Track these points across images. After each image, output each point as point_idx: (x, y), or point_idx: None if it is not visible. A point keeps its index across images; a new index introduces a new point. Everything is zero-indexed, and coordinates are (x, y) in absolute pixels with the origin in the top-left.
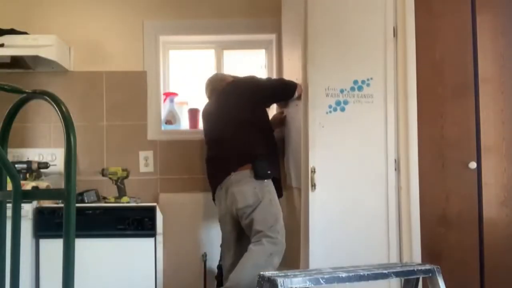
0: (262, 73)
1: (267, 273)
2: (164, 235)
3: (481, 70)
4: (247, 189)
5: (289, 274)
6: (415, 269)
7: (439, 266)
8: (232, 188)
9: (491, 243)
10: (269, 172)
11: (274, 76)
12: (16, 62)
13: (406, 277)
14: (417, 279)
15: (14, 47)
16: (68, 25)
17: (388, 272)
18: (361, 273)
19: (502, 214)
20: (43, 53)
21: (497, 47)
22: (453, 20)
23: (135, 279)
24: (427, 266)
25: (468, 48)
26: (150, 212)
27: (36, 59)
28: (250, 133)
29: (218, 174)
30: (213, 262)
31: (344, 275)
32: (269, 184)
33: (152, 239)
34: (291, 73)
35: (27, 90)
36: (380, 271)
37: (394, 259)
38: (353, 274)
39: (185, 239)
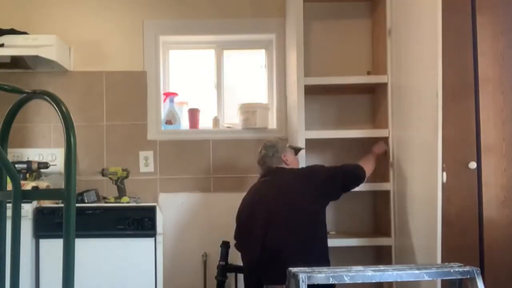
0: (262, 73)
1: (294, 269)
2: (164, 235)
3: (481, 70)
4: None
5: (315, 270)
6: (452, 270)
7: (479, 268)
8: None
9: (491, 243)
10: None
11: (275, 76)
12: (16, 62)
13: (441, 278)
14: (460, 281)
15: (14, 47)
16: (68, 25)
17: (420, 272)
18: (389, 272)
19: (502, 214)
20: (43, 53)
21: (497, 47)
22: (453, 20)
23: (135, 279)
24: (466, 268)
25: (468, 48)
26: (150, 212)
27: (36, 59)
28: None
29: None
30: (213, 262)
31: (370, 273)
32: None
33: (152, 239)
34: (293, 73)
35: (27, 90)
36: (411, 271)
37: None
38: (379, 273)
39: (185, 239)
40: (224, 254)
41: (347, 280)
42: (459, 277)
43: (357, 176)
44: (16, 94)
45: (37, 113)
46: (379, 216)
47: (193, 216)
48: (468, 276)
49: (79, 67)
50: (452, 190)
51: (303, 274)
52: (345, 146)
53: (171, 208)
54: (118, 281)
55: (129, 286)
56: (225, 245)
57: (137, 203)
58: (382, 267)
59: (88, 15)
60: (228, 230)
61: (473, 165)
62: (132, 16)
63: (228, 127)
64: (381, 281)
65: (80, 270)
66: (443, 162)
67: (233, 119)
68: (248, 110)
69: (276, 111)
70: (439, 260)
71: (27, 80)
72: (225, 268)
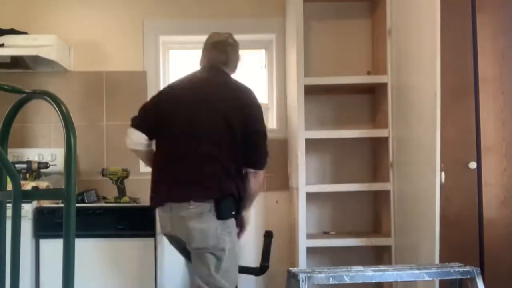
0: (262, 73)
1: (294, 269)
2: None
3: (481, 70)
4: (207, 228)
5: (316, 270)
6: (452, 270)
7: (479, 268)
8: (189, 222)
9: (491, 243)
10: (233, 213)
11: (275, 76)
12: (16, 62)
13: (441, 278)
14: (460, 281)
15: (14, 47)
16: (68, 25)
17: (420, 272)
18: (390, 272)
19: (502, 214)
20: (43, 53)
21: (497, 47)
22: (453, 20)
23: (135, 279)
24: (466, 268)
25: (468, 48)
26: (150, 212)
27: (36, 59)
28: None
29: (174, 191)
30: None
31: (370, 273)
32: (231, 223)
33: (152, 239)
34: (293, 73)
35: (27, 90)
36: (412, 271)
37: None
38: (380, 273)
39: None
40: None
41: (347, 280)
42: (459, 277)
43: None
44: (16, 94)
45: (37, 113)
46: (379, 216)
47: None
48: (468, 276)
49: (79, 67)
50: (452, 190)
51: (303, 274)
52: (345, 146)
53: None
54: (118, 281)
55: (129, 286)
56: None
57: (137, 203)
58: (382, 267)
59: (88, 15)
60: None
61: (473, 165)
62: (132, 16)
63: None
64: (381, 281)
65: (80, 270)
66: (442, 162)
67: None
68: None
69: (276, 111)
70: (437, 260)
71: (27, 80)
72: None
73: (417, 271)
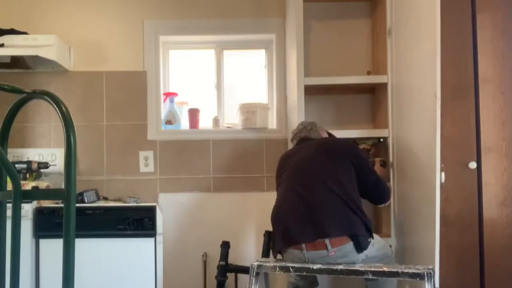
0: (262, 73)
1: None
2: (164, 235)
3: (481, 70)
4: (355, 260)
5: (268, 261)
6: (400, 271)
7: (431, 271)
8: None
9: (491, 243)
10: (369, 240)
11: (275, 76)
12: (16, 62)
13: (388, 278)
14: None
15: (14, 47)
16: (68, 25)
17: (364, 270)
18: (334, 267)
19: (502, 214)
20: (43, 53)
21: (497, 47)
22: (453, 20)
23: (135, 279)
24: (417, 270)
25: (468, 48)
26: (150, 212)
27: (36, 59)
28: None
29: (305, 234)
30: (213, 262)
31: (315, 267)
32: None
33: (152, 239)
34: (293, 73)
35: (27, 90)
36: (356, 268)
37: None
38: (325, 267)
39: (185, 239)
40: (224, 254)
41: (292, 270)
42: (407, 279)
43: (382, 193)
44: (16, 94)
45: (37, 113)
46: (379, 217)
47: (193, 216)
48: (418, 279)
49: (79, 67)
50: (452, 190)
51: (255, 263)
52: None
53: (171, 208)
54: (118, 281)
55: (129, 286)
56: (225, 245)
57: (137, 203)
58: (333, 263)
59: (88, 15)
60: (228, 230)
61: (473, 165)
62: (132, 16)
63: (228, 127)
64: (326, 274)
65: (80, 270)
66: (442, 162)
67: (233, 119)
68: (248, 110)
69: (276, 111)
70: (437, 260)
71: (27, 80)
72: (225, 268)
73: (361, 269)
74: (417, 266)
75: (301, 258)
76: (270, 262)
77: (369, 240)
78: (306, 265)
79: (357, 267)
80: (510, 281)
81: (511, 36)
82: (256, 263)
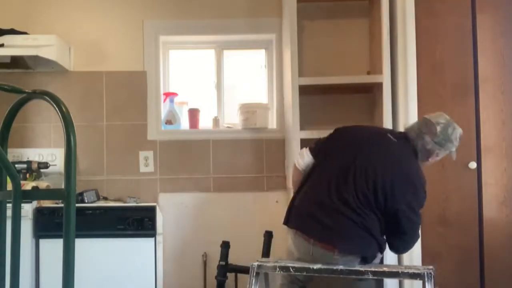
0: (262, 73)
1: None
2: (164, 235)
3: (481, 70)
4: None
5: (269, 261)
6: (400, 271)
7: (431, 271)
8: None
9: (491, 243)
10: (377, 254)
11: (274, 76)
12: (16, 62)
13: (388, 278)
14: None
15: (14, 47)
16: (68, 25)
17: (365, 270)
18: (334, 268)
19: (502, 214)
20: (43, 53)
21: (497, 47)
22: (453, 20)
23: (135, 279)
24: (417, 270)
25: (468, 48)
26: (150, 212)
27: (36, 59)
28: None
29: (316, 230)
30: (213, 262)
31: (315, 267)
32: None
33: (152, 239)
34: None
35: (27, 90)
36: (357, 268)
37: (393, 259)
38: (325, 267)
39: (185, 239)
40: (224, 254)
41: (292, 271)
42: (407, 278)
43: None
44: (16, 94)
45: (37, 113)
46: None
47: (193, 216)
48: (418, 279)
49: (79, 67)
50: (452, 190)
51: (255, 263)
52: None
53: (171, 208)
54: (118, 281)
55: (129, 286)
56: (225, 245)
57: (137, 203)
58: (332, 264)
59: (88, 15)
60: (228, 230)
61: (473, 165)
62: (132, 16)
63: (228, 127)
64: (326, 274)
65: (80, 270)
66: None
67: (233, 119)
68: (248, 110)
69: (276, 111)
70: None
71: (27, 80)
72: (225, 268)
73: (361, 269)
74: (417, 266)
75: (305, 249)
76: (270, 262)
77: (376, 255)
78: (307, 265)
79: (357, 267)
80: (510, 281)
81: (511, 36)
82: (256, 263)
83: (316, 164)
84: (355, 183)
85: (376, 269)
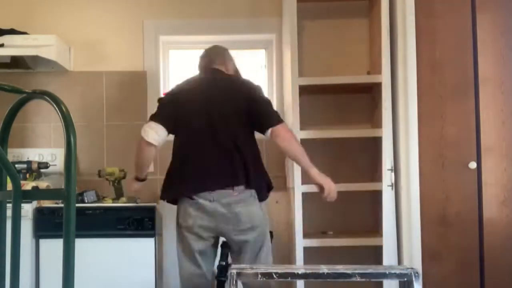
0: (262, 73)
1: (234, 266)
2: (164, 235)
3: (481, 70)
4: (254, 210)
5: (250, 267)
6: (387, 272)
7: (418, 271)
8: (235, 207)
9: (491, 243)
10: (267, 194)
11: (274, 76)
12: (16, 62)
13: (376, 280)
14: (408, 281)
15: (14, 47)
16: (68, 25)
17: (352, 272)
18: (320, 271)
19: (502, 214)
20: (43, 53)
21: (497, 47)
22: (453, 20)
23: (135, 279)
24: (404, 270)
25: (468, 48)
26: (150, 212)
27: (36, 59)
28: (253, 146)
29: (211, 181)
30: None
31: (300, 272)
32: (265, 207)
33: (152, 239)
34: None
35: (27, 90)
36: (343, 271)
37: (393, 259)
38: (310, 271)
39: None
40: (224, 254)
41: (275, 277)
42: (394, 279)
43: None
44: (16, 94)
45: (37, 113)
46: (378, 216)
47: None
48: (406, 279)
49: (79, 67)
50: (452, 190)
51: (233, 270)
52: (343, 146)
53: (171, 208)
54: (118, 281)
55: (129, 286)
56: (225, 245)
57: (137, 203)
58: (315, 266)
59: (88, 15)
60: None
61: (473, 165)
62: (132, 16)
63: None
64: (311, 279)
65: (80, 270)
66: (441, 162)
67: None
68: None
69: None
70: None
71: (27, 80)
72: (225, 268)
73: (348, 271)
74: (400, 266)
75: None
76: (248, 268)
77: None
78: (290, 270)
79: (342, 270)
80: (510, 281)
81: (511, 36)
82: (235, 271)
83: (182, 134)
84: (219, 129)
85: (363, 271)
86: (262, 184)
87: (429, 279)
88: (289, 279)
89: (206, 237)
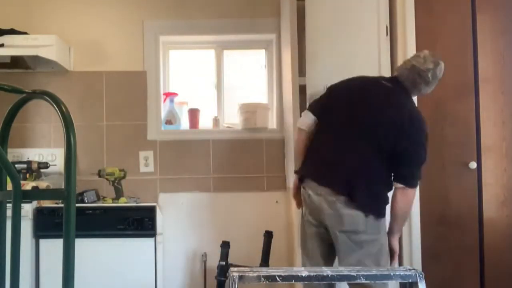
0: (262, 73)
1: (233, 269)
2: (164, 235)
3: (481, 70)
4: (357, 215)
5: (252, 269)
6: (392, 274)
7: (422, 273)
8: (340, 208)
9: (491, 243)
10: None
11: (274, 76)
12: (16, 62)
13: (380, 281)
14: (410, 283)
15: (14, 47)
16: (68, 25)
17: (356, 274)
18: (324, 273)
19: (502, 214)
20: (43, 53)
21: (497, 47)
22: (453, 20)
23: (135, 279)
24: (408, 272)
25: (468, 48)
26: (150, 212)
27: (36, 59)
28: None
29: (333, 179)
30: (213, 262)
31: (304, 274)
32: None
33: (152, 239)
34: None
35: (27, 90)
36: (347, 272)
37: None
38: (314, 273)
39: (185, 239)
40: (224, 254)
41: (279, 280)
42: (399, 280)
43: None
44: (16, 94)
45: (37, 113)
46: None
47: (193, 216)
48: (410, 280)
49: (79, 67)
50: (452, 190)
51: (235, 273)
52: None
53: (171, 208)
54: (118, 281)
55: (129, 286)
56: (225, 245)
57: (136, 203)
58: (318, 268)
59: (88, 15)
60: (228, 230)
61: (473, 165)
62: (132, 16)
63: (228, 127)
64: (316, 282)
65: (80, 270)
66: (442, 162)
67: (233, 119)
68: (248, 110)
69: (276, 111)
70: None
71: (27, 80)
72: (225, 268)
73: (353, 273)
74: (402, 268)
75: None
76: (251, 272)
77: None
78: (294, 273)
79: (345, 272)
80: (510, 281)
81: (511, 36)
82: (236, 274)
83: (320, 124)
84: (360, 134)
85: (367, 273)
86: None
87: (429, 279)
88: (293, 281)
89: None
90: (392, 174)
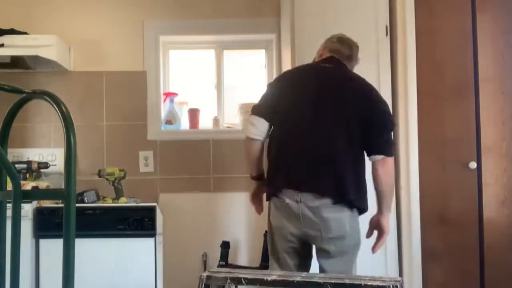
0: (262, 73)
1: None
2: (164, 235)
3: (481, 70)
4: (343, 216)
5: (220, 271)
6: (363, 284)
7: (398, 283)
8: (324, 213)
9: (491, 243)
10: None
11: (274, 76)
12: (16, 62)
13: None
14: None
15: (14, 47)
16: (68, 25)
17: (323, 282)
18: (291, 279)
19: (502, 214)
20: (43, 53)
21: (497, 47)
22: (453, 20)
23: (135, 279)
24: (382, 282)
25: (468, 48)
26: (150, 212)
27: (36, 59)
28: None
29: (314, 182)
30: (213, 262)
31: (270, 278)
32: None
33: (152, 239)
34: None
35: (27, 90)
36: (315, 279)
37: (393, 259)
38: (281, 278)
39: (185, 239)
40: (224, 254)
41: (244, 283)
42: None
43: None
44: (16, 94)
45: (37, 113)
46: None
47: (193, 216)
48: None
49: (79, 67)
50: (452, 190)
51: (204, 273)
52: None
53: (171, 208)
54: (118, 281)
55: (129, 286)
56: (225, 245)
57: (136, 203)
58: (289, 273)
59: (88, 15)
60: (228, 230)
61: (473, 165)
62: (132, 16)
63: (228, 127)
64: (283, 287)
65: (80, 270)
66: (442, 162)
67: (233, 119)
68: (248, 110)
69: None
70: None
71: (27, 80)
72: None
73: (320, 281)
74: (383, 278)
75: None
76: (222, 272)
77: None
78: (260, 276)
79: (315, 278)
80: (510, 281)
81: (511, 36)
82: (205, 274)
83: (278, 125)
84: (327, 123)
85: (337, 281)
86: None
87: (429, 279)
88: (258, 285)
89: None
90: (366, 151)
